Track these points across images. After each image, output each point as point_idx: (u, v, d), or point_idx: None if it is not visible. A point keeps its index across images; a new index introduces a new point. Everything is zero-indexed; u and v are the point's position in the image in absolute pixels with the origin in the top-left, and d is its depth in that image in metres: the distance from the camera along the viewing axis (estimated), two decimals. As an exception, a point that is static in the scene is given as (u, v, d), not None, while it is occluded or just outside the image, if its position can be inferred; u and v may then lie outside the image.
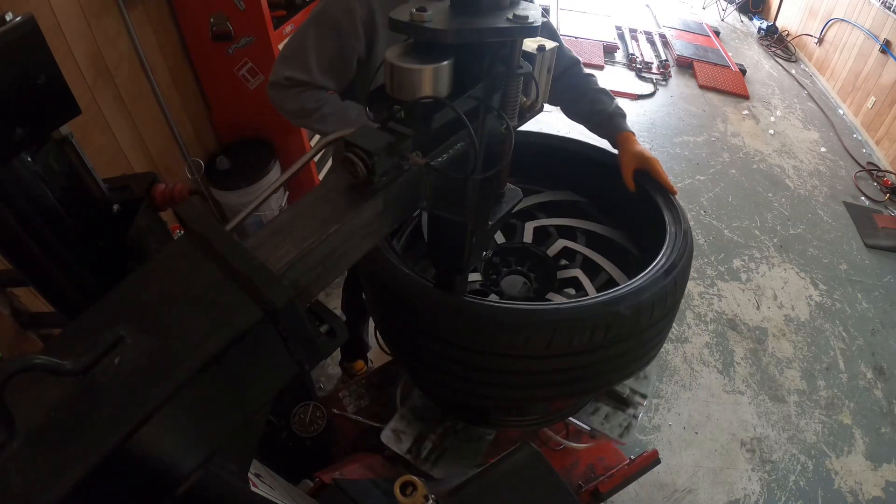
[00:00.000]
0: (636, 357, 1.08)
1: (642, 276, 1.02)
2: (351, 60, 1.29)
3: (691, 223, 3.63)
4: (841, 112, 4.79)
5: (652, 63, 4.87)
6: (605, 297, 0.98)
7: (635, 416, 1.41)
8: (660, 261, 1.06)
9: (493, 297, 1.25)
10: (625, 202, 1.36)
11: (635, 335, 1.00)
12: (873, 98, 4.37)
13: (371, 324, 2.24)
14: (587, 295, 1.22)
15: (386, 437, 1.34)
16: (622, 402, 1.44)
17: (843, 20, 4.86)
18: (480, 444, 1.35)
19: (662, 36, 5.37)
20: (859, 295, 3.12)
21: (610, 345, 0.97)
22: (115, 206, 1.01)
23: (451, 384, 1.09)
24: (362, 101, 1.37)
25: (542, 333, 0.93)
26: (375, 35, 1.25)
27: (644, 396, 1.44)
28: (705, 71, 4.93)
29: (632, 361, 1.09)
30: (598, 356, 0.99)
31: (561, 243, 1.37)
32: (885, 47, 4.22)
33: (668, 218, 1.18)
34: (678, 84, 4.84)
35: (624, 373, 1.13)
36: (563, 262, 1.37)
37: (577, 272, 1.29)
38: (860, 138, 4.48)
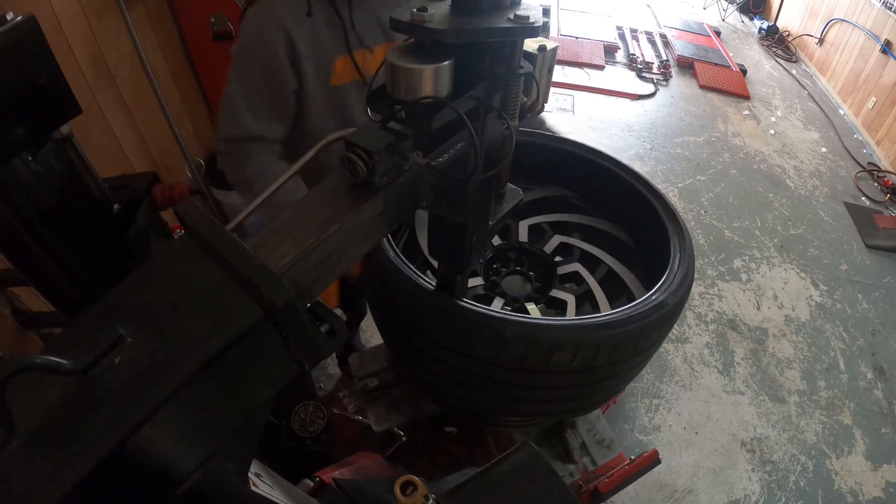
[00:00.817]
0: (531, 397, 1.01)
1: (569, 319, 0.96)
2: (286, 95, 1.25)
3: (691, 223, 3.62)
4: (841, 112, 4.79)
5: (652, 63, 4.88)
6: (501, 314, 0.94)
7: (572, 475, 1.30)
8: (604, 315, 0.96)
9: (477, 278, 1.27)
10: (651, 253, 1.28)
11: (522, 370, 0.93)
12: (874, 98, 4.37)
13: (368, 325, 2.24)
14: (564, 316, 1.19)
15: (352, 357, 1.44)
16: (566, 454, 1.32)
17: (843, 20, 4.87)
18: (419, 412, 1.36)
19: (663, 36, 5.37)
20: (860, 295, 3.12)
21: (496, 364, 0.93)
22: (116, 206, 1.01)
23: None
24: (309, 133, 1.34)
25: (435, 315, 0.93)
26: (300, 64, 1.21)
27: (594, 464, 1.33)
28: (706, 71, 4.93)
29: (528, 401, 1.02)
30: (489, 372, 0.95)
31: (574, 266, 1.32)
32: (886, 48, 4.22)
33: (664, 279, 1.07)
34: (679, 84, 4.84)
35: (510, 408, 1.08)
36: (570, 284, 1.33)
37: (568, 296, 1.25)
38: (861, 139, 4.48)
